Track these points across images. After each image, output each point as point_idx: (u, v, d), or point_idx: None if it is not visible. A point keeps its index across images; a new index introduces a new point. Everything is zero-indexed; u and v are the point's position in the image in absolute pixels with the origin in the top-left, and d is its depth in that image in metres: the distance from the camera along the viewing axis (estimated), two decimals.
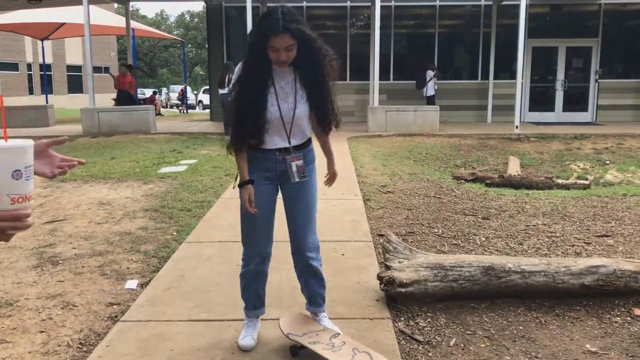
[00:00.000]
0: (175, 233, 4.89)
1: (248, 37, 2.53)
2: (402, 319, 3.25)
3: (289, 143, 2.69)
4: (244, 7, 14.03)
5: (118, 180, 7.28)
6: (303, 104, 2.67)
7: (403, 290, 3.30)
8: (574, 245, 4.72)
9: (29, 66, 32.90)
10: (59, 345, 2.98)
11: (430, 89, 14.70)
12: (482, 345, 2.99)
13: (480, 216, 5.69)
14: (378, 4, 13.19)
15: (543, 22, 16.34)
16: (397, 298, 3.35)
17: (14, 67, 30.80)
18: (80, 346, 2.98)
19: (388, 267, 3.46)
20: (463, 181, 8.18)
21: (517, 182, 8.12)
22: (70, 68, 36.77)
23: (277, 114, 2.62)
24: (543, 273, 3.46)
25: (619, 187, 8.02)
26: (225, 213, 5.50)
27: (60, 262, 4.22)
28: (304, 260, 2.83)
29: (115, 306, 3.46)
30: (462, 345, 2.99)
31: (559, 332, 3.16)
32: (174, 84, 47.03)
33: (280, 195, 2.84)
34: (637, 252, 4.50)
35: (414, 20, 17.05)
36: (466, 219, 5.56)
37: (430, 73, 14.69)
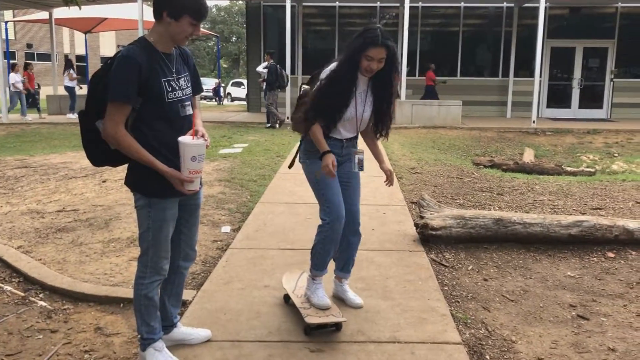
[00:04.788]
0: (249, 196, 6.11)
1: (345, 47, 3.13)
2: (433, 252, 4.43)
3: (357, 135, 3.29)
4: (280, 6, 15.28)
5: None
6: (369, 110, 3.19)
7: (434, 232, 4.47)
8: (571, 214, 5.81)
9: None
10: None
11: None
12: (491, 270, 4.15)
13: (495, 192, 6.81)
14: (407, 4, 14.26)
15: (562, 24, 17.27)
16: (429, 239, 4.52)
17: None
18: (203, 263, 4.19)
19: (422, 217, 4.63)
20: (482, 167, 9.29)
21: (530, 169, 9.21)
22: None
23: (353, 114, 3.14)
24: (540, 225, 4.59)
25: (622, 175, 9.05)
26: (285, 183, 6.73)
27: None
28: (356, 227, 3.31)
29: (219, 242, 4.68)
30: (477, 269, 4.15)
31: (549, 265, 4.30)
32: (201, 76, 48.42)
33: None
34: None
35: (439, 20, 18.07)
36: (483, 194, 6.69)
37: None
